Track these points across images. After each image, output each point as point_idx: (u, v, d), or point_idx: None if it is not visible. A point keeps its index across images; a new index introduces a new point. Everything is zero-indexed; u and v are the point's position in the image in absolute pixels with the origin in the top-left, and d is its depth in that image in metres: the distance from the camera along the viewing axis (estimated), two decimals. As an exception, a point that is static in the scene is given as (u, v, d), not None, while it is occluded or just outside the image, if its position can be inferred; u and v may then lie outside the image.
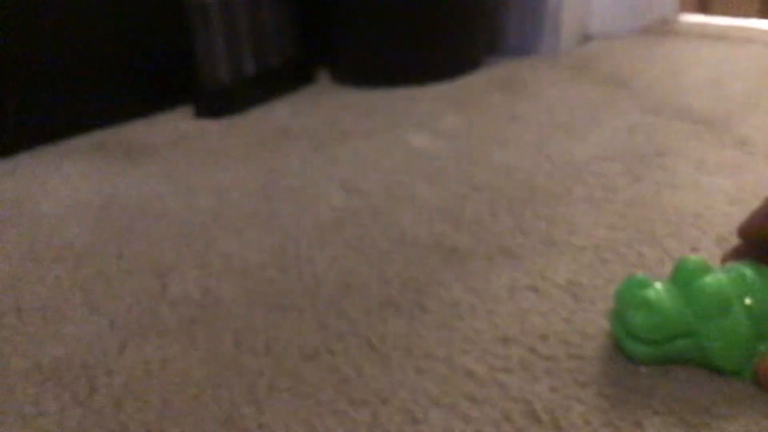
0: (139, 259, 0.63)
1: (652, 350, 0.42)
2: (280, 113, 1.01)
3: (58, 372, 0.48)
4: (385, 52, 1.12)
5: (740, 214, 0.66)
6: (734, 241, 0.61)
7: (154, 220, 0.70)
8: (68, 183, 0.80)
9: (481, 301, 0.54)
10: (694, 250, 0.60)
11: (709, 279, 0.42)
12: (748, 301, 0.42)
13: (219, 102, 1.01)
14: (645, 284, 0.43)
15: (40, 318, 0.55)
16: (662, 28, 1.41)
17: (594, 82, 1.08)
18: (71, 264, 0.63)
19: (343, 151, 0.86)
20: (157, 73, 1.02)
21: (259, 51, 1.05)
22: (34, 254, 0.65)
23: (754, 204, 0.67)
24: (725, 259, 0.49)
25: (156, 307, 0.55)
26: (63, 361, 0.49)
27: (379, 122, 0.96)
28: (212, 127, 0.97)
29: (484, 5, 1.17)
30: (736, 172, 0.75)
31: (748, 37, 1.36)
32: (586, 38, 1.33)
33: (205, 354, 0.49)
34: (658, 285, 0.44)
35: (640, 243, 0.61)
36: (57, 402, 0.45)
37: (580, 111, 0.96)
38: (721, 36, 1.37)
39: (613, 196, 0.71)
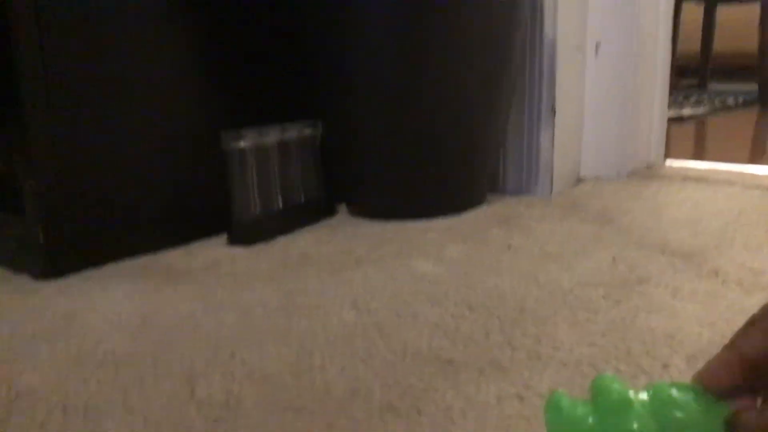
0: (171, 366, 0.68)
1: None
2: (302, 242, 1.09)
3: (94, 463, 0.52)
4: (397, 191, 1.21)
5: (709, 335, 0.70)
6: (703, 359, 0.65)
7: (186, 333, 0.75)
8: (113, 301, 0.86)
9: (472, 408, 0.57)
10: (666, 366, 0.64)
11: (615, 384, 0.39)
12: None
13: (249, 232, 1.09)
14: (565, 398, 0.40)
15: (82, 416, 0.59)
16: (648, 172, 1.49)
17: (583, 219, 1.15)
18: (112, 369, 0.67)
19: (356, 275, 0.92)
20: (197, 207, 1.11)
21: (287, 188, 1.15)
22: (79, 360, 0.70)
23: (723, 326, 0.71)
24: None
25: (185, 408, 0.59)
26: (99, 453, 0.53)
27: (389, 251, 1.02)
28: (242, 253, 1.04)
29: (486, 151, 1.26)
30: (708, 299, 0.79)
31: (727, 180, 1.44)
32: (578, 181, 1.42)
33: (225, 448, 0.53)
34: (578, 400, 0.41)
35: (617, 360, 0.65)
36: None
37: (568, 244, 1.02)
38: (702, 179, 1.44)
39: (594, 318, 0.75)
